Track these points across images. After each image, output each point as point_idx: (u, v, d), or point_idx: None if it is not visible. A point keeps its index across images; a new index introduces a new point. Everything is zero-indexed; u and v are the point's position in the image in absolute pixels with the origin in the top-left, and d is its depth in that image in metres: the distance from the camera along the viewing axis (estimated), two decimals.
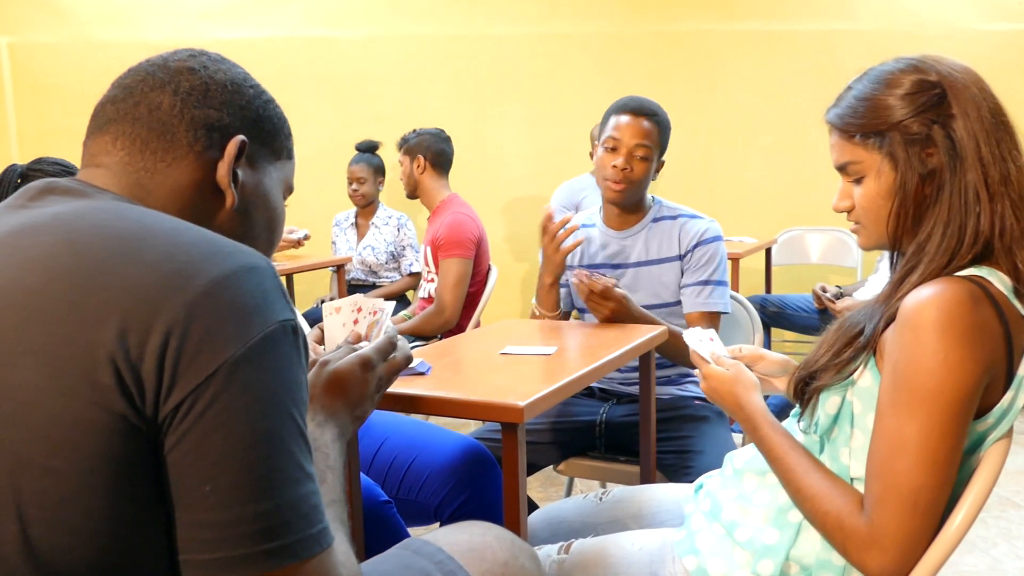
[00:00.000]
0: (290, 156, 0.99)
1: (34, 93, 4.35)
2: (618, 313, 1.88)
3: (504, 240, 4.69)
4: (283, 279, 3.93)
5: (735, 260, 3.40)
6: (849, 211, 1.14)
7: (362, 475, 1.53)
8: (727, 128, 4.73)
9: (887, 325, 1.04)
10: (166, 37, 4.42)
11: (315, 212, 4.45)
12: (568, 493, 2.33)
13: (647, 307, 2.00)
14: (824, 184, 4.73)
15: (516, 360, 1.47)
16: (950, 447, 0.96)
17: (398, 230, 4.00)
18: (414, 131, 3.21)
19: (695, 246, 2.03)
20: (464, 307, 3.03)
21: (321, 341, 1.22)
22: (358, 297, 1.24)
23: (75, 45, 4.32)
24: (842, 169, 1.13)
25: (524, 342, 1.64)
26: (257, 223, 0.92)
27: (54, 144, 4.42)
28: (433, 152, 3.14)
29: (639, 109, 2.01)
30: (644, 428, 1.77)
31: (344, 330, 1.22)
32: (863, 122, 1.08)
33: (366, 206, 4.03)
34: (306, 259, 3.81)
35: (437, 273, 3.02)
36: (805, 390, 1.12)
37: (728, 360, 1.29)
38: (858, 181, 1.11)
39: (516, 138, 4.64)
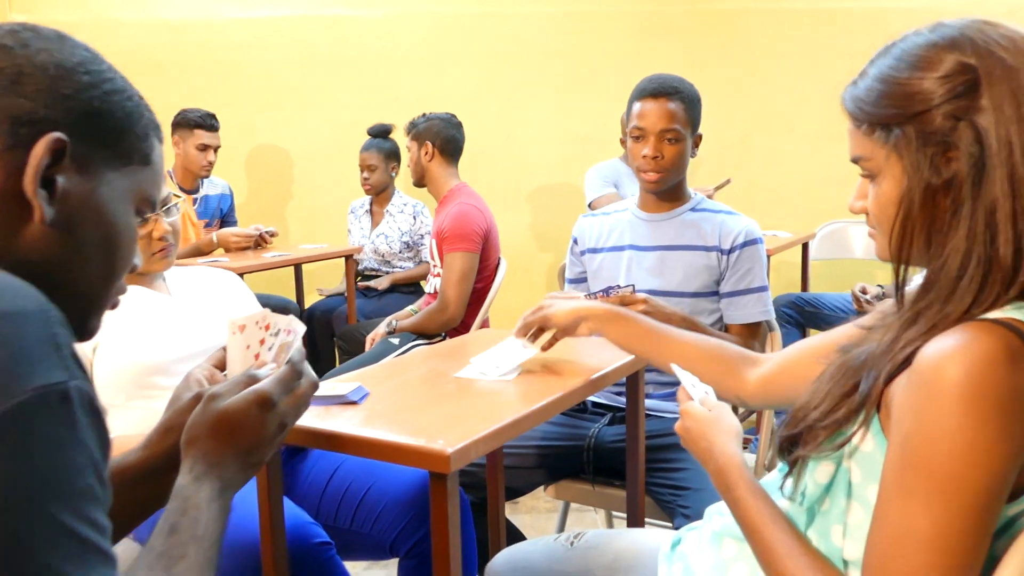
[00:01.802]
0: (146, 161, 0.78)
1: None
2: (652, 315, 1.70)
3: (529, 229, 4.49)
4: (291, 269, 3.84)
5: (767, 256, 3.14)
6: (866, 213, 0.92)
7: (300, 512, 1.36)
8: (767, 113, 4.44)
9: (893, 375, 0.82)
10: (183, 16, 4.31)
11: (331, 198, 4.32)
12: (563, 519, 2.13)
13: (673, 294, 1.87)
14: None
15: (468, 387, 1.28)
16: (971, 545, 0.74)
17: (414, 218, 3.83)
18: (423, 115, 3.02)
19: (741, 246, 1.88)
20: (470, 304, 2.85)
21: (222, 366, 1.04)
22: (267, 313, 1.05)
23: (91, 25, 4.22)
24: (856, 163, 0.91)
25: (498, 359, 1.45)
26: (86, 243, 0.73)
27: None
28: (443, 138, 2.95)
29: (659, 90, 1.85)
30: (631, 458, 1.58)
31: (248, 354, 1.03)
32: (872, 110, 0.86)
33: (379, 193, 3.86)
34: (317, 247, 3.67)
35: (442, 267, 2.84)
36: (791, 451, 0.91)
37: (712, 400, 1.09)
38: (874, 179, 0.89)
39: (543, 123, 4.42)
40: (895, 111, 0.84)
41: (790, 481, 0.92)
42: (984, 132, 0.79)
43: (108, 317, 0.81)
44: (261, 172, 4.47)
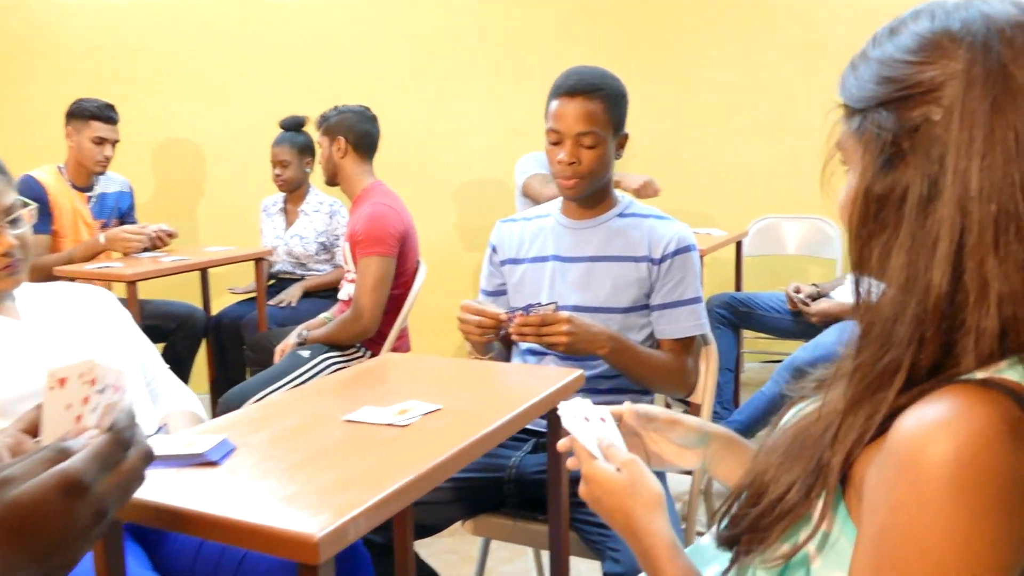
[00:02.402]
0: None
1: None
2: (576, 336, 1.57)
3: (456, 228, 4.29)
4: (197, 274, 3.56)
5: (700, 257, 3.01)
6: None
7: None
8: (702, 107, 4.33)
9: (856, 446, 0.66)
10: None
11: (245, 196, 4.05)
12: (483, 559, 1.94)
13: (601, 310, 1.70)
14: (804, 169, 4.36)
15: (359, 436, 1.09)
16: None
17: (330, 217, 3.59)
18: (335, 108, 2.80)
19: (673, 254, 1.71)
20: (386, 311, 2.65)
21: (34, 432, 0.81)
22: (93, 364, 0.82)
23: None
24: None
25: (400, 395, 1.26)
26: None
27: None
28: (356, 133, 2.73)
29: (577, 88, 1.66)
30: (553, 490, 1.40)
31: (68, 415, 0.80)
32: (851, 92, 0.74)
33: (293, 191, 3.61)
34: (224, 250, 3.40)
35: (356, 272, 2.63)
36: (736, 540, 0.74)
37: (622, 453, 0.90)
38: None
39: (474, 114, 4.22)
40: (867, 96, 0.70)
41: (733, 571, 0.75)
42: (936, 140, 0.65)
43: None
44: (168, 168, 4.16)
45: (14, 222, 1.40)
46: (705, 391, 1.80)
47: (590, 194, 1.72)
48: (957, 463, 0.57)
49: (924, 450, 0.58)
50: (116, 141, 3.27)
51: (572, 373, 1.40)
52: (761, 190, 4.35)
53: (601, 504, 0.86)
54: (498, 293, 1.87)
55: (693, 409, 2.96)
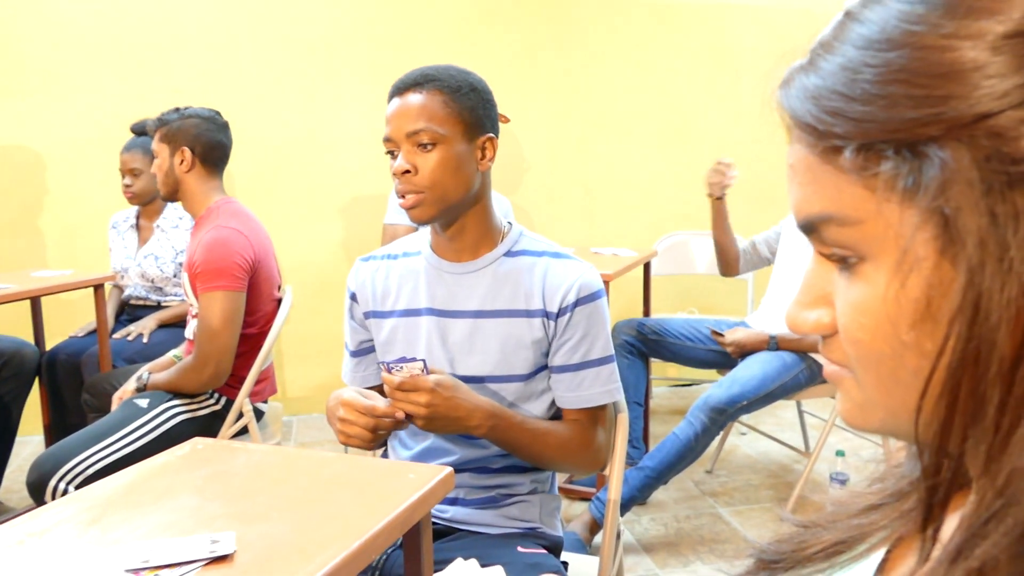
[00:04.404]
0: None
1: None
2: (440, 410, 1.22)
3: (341, 245, 3.88)
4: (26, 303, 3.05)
5: (605, 283, 2.70)
6: (827, 333, 0.43)
7: None
8: (604, 115, 4.06)
9: None
10: None
11: (91, 209, 3.54)
12: None
13: (492, 379, 1.35)
14: None
15: None
16: None
17: (189, 234, 3.13)
18: (176, 110, 2.36)
19: (573, 305, 1.34)
20: (242, 352, 2.23)
21: None
22: None
23: None
24: (810, 231, 0.42)
25: (185, 517, 0.87)
26: None
27: None
28: (203, 143, 2.30)
29: (405, 83, 1.32)
30: None
31: None
32: (864, 115, 0.37)
33: (146, 204, 3.14)
34: (55, 275, 2.91)
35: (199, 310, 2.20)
36: None
37: None
38: (854, 264, 0.40)
39: (353, 120, 3.82)
40: (919, 115, 0.35)
41: None
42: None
43: None
44: (4, 178, 3.61)
45: None
46: (615, 462, 1.47)
47: (448, 217, 1.34)
48: None
49: None
50: None
51: (439, 472, 1.04)
52: (669, 205, 4.11)
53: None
54: (365, 352, 1.50)
55: (600, 479, 2.67)
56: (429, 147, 1.29)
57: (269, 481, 1.05)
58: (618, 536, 1.50)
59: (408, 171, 1.29)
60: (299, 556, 0.82)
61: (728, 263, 3.00)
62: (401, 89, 1.32)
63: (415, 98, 1.30)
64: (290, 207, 3.76)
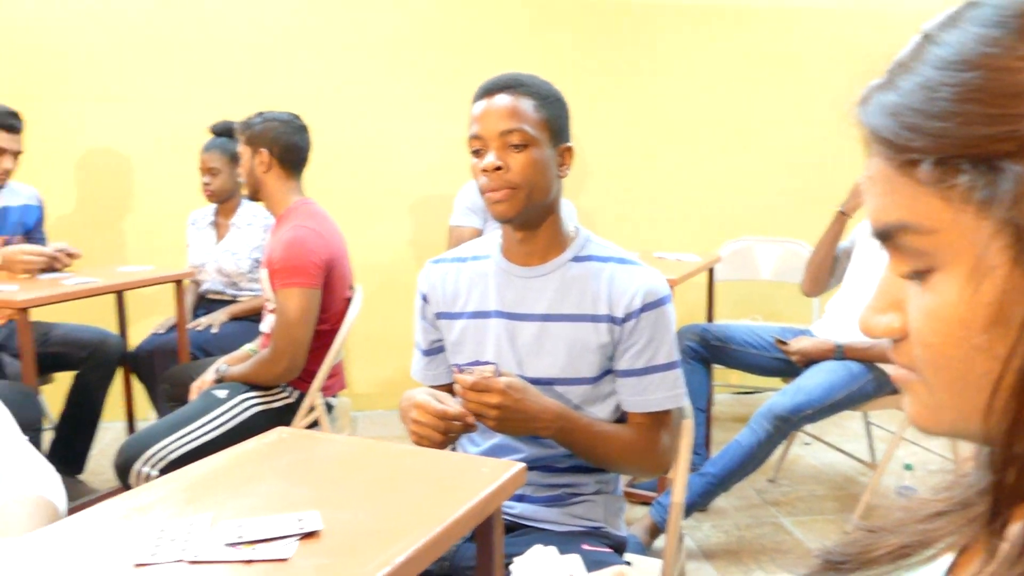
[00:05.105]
0: None
1: None
2: (510, 412, 1.26)
3: (407, 246, 3.97)
4: (113, 297, 3.20)
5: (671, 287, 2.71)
6: (898, 337, 0.45)
7: None
8: (668, 119, 4.06)
9: None
10: None
11: (169, 208, 3.69)
12: None
13: (559, 381, 1.38)
14: (779, 186, 4.12)
15: None
16: None
17: (265, 231, 3.25)
18: (259, 114, 2.46)
19: (640, 311, 1.37)
20: (314, 348, 2.31)
21: None
22: None
23: None
24: (886, 238, 0.44)
25: (272, 498, 0.93)
26: None
27: None
28: (282, 145, 2.39)
29: (494, 86, 1.37)
30: None
31: None
32: (948, 133, 0.40)
33: (224, 202, 3.27)
34: (138, 270, 3.04)
35: (276, 305, 2.29)
36: None
37: None
38: (918, 273, 0.43)
39: (420, 124, 3.90)
40: (994, 131, 0.38)
41: None
42: None
43: None
44: (90, 179, 3.78)
45: None
46: (679, 466, 1.50)
47: (528, 217, 1.38)
48: None
49: None
50: (18, 152, 2.90)
51: (511, 467, 1.08)
52: (733, 210, 4.09)
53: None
54: (436, 351, 1.54)
55: (661, 484, 2.68)
56: (520, 147, 1.33)
57: (349, 470, 1.10)
58: (680, 540, 1.52)
59: (499, 168, 1.33)
60: (381, 540, 0.87)
61: (820, 281, 2.95)
62: (491, 90, 1.36)
63: (507, 99, 1.34)
64: (359, 208, 3.85)
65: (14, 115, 2.89)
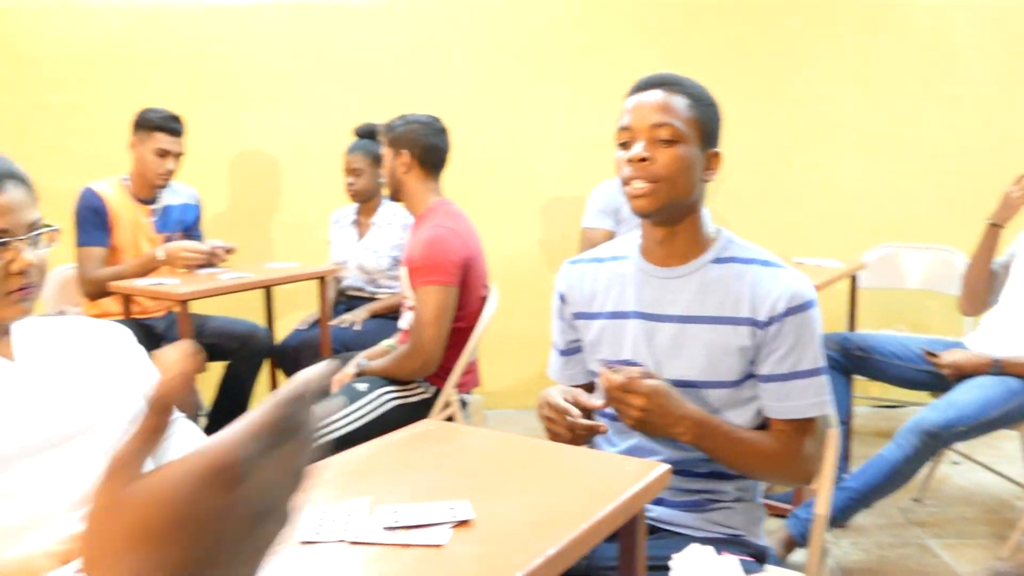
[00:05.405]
0: None
1: (12, 63, 3.85)
2: (653, 415, 1.27)
3: (540, 246, 4.00)
4: (263, 292, 3.38)
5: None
6: None
7: None
8: (811, 121, 3.92)
9: None
10: (158, 3, 3.86)
11: (313, 207, 3.86)
12: None
13: (698, 384, 1.37)
14: (928, 191, 3.90)
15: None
16: None
17: (404, 231, 3.35)
18: (401, 117, 2.54)
19: (784, 315, 1.33)
20: (451, 345, 2.37)
21: None
22: None
23: (59, 11, 3.80)
24: None
25: (424, 487, 0.96)
26: None
27: (34, 120, 3.94)
28: (422, 147, 2.47)
29: (650, 82, 1.36)
30: None
31: None
32: None
33: (366, 201, 3.40)
34: (285, 266, 3.20)
35: (415, 302, 2.36)
36: None
37: None
38: None
39: (553, 125, 3.93)
40: None
41: None
42: None
43: None
44: (241, 179, 4.01)
45: (35, 241, 1.18)
46: (823, 477, 1.45)
47: (668, 215, 1.37)
48: None
49: None
50: (180, 154, 3.11)
51: (656, 468, 1.08)
52: (877, 215, 3.91)
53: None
54: (573, 351, 1.55)
55: (798, 496, 2.59)
56: (669, 142, 1.32)
57: (495, 462, 1.12)
58: (824, 554, 1.47)
59: (645, 159, 1.32)
60: (532, 532, 0.88)
61: (978, 299, 2.76)
62: (646, 86, 1.36)
63: (660, 95, 1.34)
64: (493, 209, 3.92)
65: (176, 119, 3.10)
